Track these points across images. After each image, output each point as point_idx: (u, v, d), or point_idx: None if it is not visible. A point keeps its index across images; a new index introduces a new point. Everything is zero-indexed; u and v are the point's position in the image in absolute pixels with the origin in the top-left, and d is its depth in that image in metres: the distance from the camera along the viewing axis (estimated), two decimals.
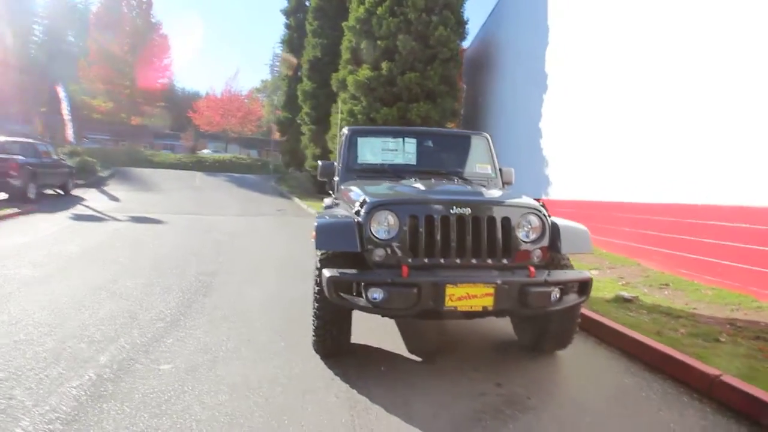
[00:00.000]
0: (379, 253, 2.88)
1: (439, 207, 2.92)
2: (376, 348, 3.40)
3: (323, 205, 5.42)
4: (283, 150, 25.93)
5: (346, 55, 14.98)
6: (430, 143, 4.54)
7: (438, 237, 2.86)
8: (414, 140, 4.49)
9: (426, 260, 2.87)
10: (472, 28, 14.90)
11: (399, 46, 13.47)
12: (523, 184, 7.26)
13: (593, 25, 8.34)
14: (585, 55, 8.56)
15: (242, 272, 5.80)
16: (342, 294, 2.73)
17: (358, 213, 2.98)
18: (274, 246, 8.11)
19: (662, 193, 6.26)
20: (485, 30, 15.22)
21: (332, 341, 3.06)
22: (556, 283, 2.82)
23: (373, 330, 3.61)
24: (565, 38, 9.43)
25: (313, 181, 20.69)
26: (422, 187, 3.28)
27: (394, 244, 2.86)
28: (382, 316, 2.89)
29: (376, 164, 4.31)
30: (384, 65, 13.58)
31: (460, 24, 14.13)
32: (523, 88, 11.35)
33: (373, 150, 4.42)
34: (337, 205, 4.05)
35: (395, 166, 4.27)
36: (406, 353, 3.35)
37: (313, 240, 2.90)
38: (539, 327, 3.30)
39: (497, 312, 2.84)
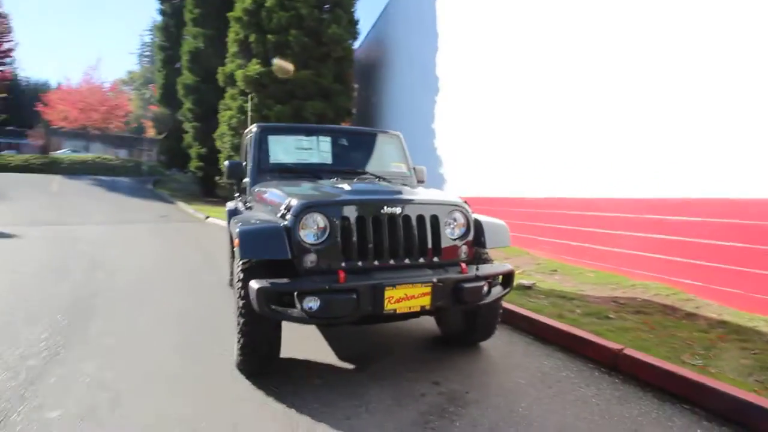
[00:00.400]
0: (310, 259, 2.70)
1: (369, 207, 2.83)
2: (304, 360, 3.20)
3: (226, 209, 5.00)
4: (162, 149, 23.55)
5: (233, 47, 14.10)
6: (344, 142, 4.42)
7: (371, 238, 2.78)
8: (328, 139, 4.33)
9: (360, 263, 2.77)
10: (363, 28, 14.92)
11: (291, 41, 13.06)
12: None
13: (478, 34, 8.94)
14: (474, 60, 9.14)
15: (130, 290, 5.08)
16: (273, 306, 2.50)
17: (284, 216, 2.76)
18: (162, 257, 7.28)
19: (547, 187, 6.95)
20: (376, 31, 15.48)
21: (260, 359, 2.79)
22: (485, 277, 2.92)
23: (296, 340, 3.39)
24: (453, 44, 9.97)
25: (200, 183, 19.14)
26: (347, 187, 3.15)
27: (326, 248, 2.71)
28: (318, 326, 2.71)
29: (290, 164, 4.06)
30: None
31: (352, 23, 14.18)
32: (417, 90, 11.77)
33: (285, 149, 4.16)
34: (249, 208, 3.74)
35: (310, 166, 4.08)
36: (337, 361, 3.20)
37: (235, 248, 2.62)
38: (466, 320, 3.39)
39: (433, 310, 2.86)
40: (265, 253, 2.62)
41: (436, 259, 2.95)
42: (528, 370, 3.09)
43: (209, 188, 18.92)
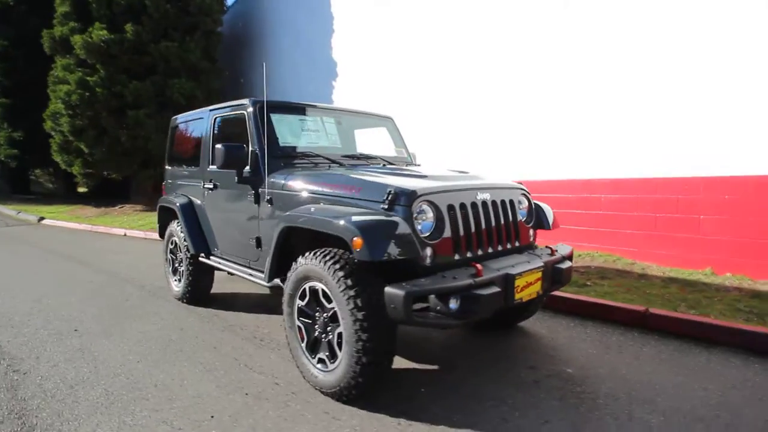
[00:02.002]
0: (428, 254, 2.39)
1: (467, 195, 2.64)
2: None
3: (165, 204, 4.18)
4: None
5: (63, 7, 11.28)
6: (344, 124, 3.96)
7: (475, 227, 2.61)
8: (332, 120, 3.84)
9: (468, 254, 2.57)
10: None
11: (149, 6, 11.05)
12: None
13: (378, 17, 8.91)
14: (380, 42, 9.07)
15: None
16: (416, 312, 2.15)
17: (391, 208, 2.37)
18: (40, 285, 5.52)
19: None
20: (244, 4, 14.12)
21: (381, 374, 2.37)
22: (568, 257, 3.00)
23: None
24: (352, 26, 9.74)
25: (10, 176, 14.86)
26: (423, 173, 2.88)
27: (440, 241, 2.43)
28: (456, 326, 2.40)
29: (303, 149, 3.48)
30: (129, 28, 10.90)
31: None
32: (304, 73, 11.18)
33: (292, 131, 3.54)
34: (269, 202, 3.08)
35: (324, 150, 3.56)
36: (414, 364, 2.92)
37: (357, 249, 2.15)
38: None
39: (543, 295, 2.83)
40: (394, 253, 2.20)
41: (517, 243, 2.91)
42: (587, 341, 3.29)
43: (22, 183, 14.90)
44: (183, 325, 3.71)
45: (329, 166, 3.33)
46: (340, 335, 2.34)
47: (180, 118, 4.63)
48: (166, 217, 4.59)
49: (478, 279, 2.29)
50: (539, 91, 6.30)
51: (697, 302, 3.86)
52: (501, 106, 6.77)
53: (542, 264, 2.69)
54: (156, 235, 8.51)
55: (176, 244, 4.31)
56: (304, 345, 2.61)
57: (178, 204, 4.14)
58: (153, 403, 2.46)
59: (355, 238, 2.17)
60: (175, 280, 4.43)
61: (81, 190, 16.31)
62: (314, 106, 3.77)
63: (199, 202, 4.03)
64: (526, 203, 3.11)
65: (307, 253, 2.54)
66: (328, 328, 2.45)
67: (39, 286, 5.08)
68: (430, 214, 2.44)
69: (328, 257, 2.37)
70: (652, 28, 5.19)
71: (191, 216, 4.07)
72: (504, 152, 6.69)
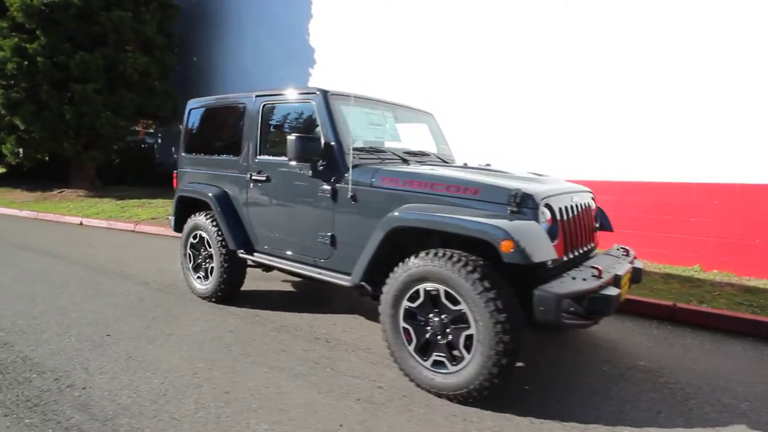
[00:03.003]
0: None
1: (567, 197, 2.75)
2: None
3: (210, 195, 3.82)
4: None
5: None
6: (395, 119, 3.88)
7: (576, 229, 2.74)
8: (391, 114, 3.75)
9: (571, 255, 2.68)
10: None
11: None
12: None
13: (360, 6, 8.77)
14: (367, 30, 8.91)
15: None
16: (566, 313, 2.21)
17: (519, 210, 2.40)
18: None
19: None
20: None
21: (510, 374, 2.39)
22: (635, 257, 3.21)
23: None
24: (332, 13, 9.46)
25: None
26: (516, 174, 2.93)
27: (557, 243, 2.51)
28: (587, 327, 2.47)
29: (372, 143, 3.37)
30: None
31: None
32: (277, 57, 10.70)
33: (360, 123, 3.41)
34: (353, 198, 2.95)
35: (387, 146, 3.48)
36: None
37: (507, 252, 2.16)
38: None
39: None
40: (540, 255, 2.23)
41: (592, 245, 3.07)
42: (633, 335, 3.55)
43: None
44: (229, 327, 3.46)
45: (406, 162, 3.28)
46: (468, 337, 2.33)
47: (202, 101, 4.27)
48: (184, 208, 4.22)
49: (603, 280, 2.39)
50: (531, 93, 6.59)
51: (701, 296, 4.30)
52: (491, 100, 6.98)
53: (630, 264, 2.86)
54: (124, 225, 7.80)
55: (202, 238, 3.98)
56: (411, 347, 2.56)
57: (211, 195, 3.82)
58: (265, 415, 2.29)
59: (504, 241, 2.17)
60: (198, 278, 4.09)
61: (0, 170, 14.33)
62: (374, 99, 3.65)
63: (237, 193, 3.75)
64: (595, 206, 3.28)
65: (421, 254, 2.49)
66: (447, 330, 2.43)
67: (22, 284, 4.44)
68: (549, 216, 2.51)
69: (457, 259, 2.34)
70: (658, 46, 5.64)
71: (229, 209, 3.78)
72: (500, 150, 6.91)
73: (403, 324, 2.59)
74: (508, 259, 2.18)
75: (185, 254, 4.19)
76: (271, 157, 3.50)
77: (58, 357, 2.89)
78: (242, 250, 3.72)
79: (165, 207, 8.98)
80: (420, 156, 3.62)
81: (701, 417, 2.39)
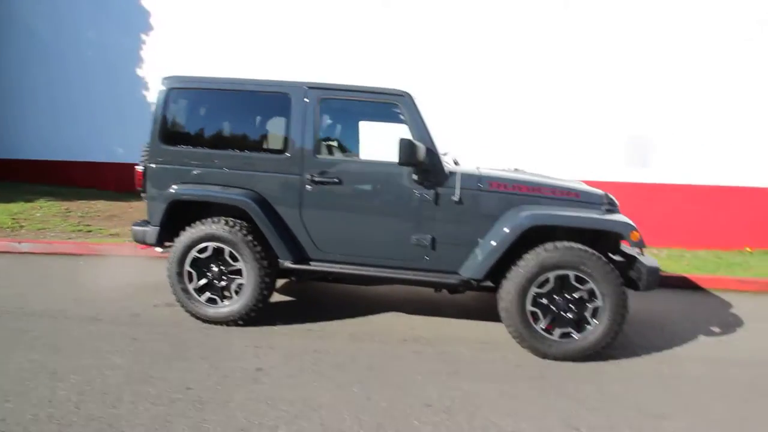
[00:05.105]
0: None
1: None
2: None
3: (245, 200, 3.28)
4: None
5: None
6: None
7: None
8: None
9: None
10: None
11: None
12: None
13: None
14: None
15: None
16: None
17: (610, 210, 3.20)
18: None
19: None
20: None
21: None
22: None
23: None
24: None
25: None
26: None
27: None
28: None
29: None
30: None
31: None
32: (88, 14, 8.37)
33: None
34: (459, 203, 3.14)
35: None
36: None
37: (634, 240, 2.95)
38: None
39: None
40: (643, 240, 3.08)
41: None
42: (704, 304, 4.64)
43: None
44: (296, 350, 3.05)
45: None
46: (595, 310, 3.00)
47: (192, 81, 3.43)
48: (177, 215, 3.36)
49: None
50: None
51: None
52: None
53: None
54: None
55: (218, 251, 3.28)
56: (539, 326, 3.06)
57: (248, 200, 3.20)
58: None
59: (633, 232, 2.93)
60: (210, 300, 3.35)
61: None
62: None
63: (284, 197, 3.28)
64: None
65: (548, 247, 2.99)
66: (572, 306, 3.03)
67: None
68: None
69: (584, 248, 2.96)
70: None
71: (274, 215, 3.27)
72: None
73: (530, 308, 3.04)
74: (634, 245, 2.96)
75: (179, 273, 3.34)
76: (342, 158, 3.25)
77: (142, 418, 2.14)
78: (288, 261, 3.30)
79: None
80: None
81: None
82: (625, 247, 3.35)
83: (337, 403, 2.44)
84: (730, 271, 5.69)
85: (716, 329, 3.89)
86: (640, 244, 3.02)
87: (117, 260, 5.21)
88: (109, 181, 8.36)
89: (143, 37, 8.23)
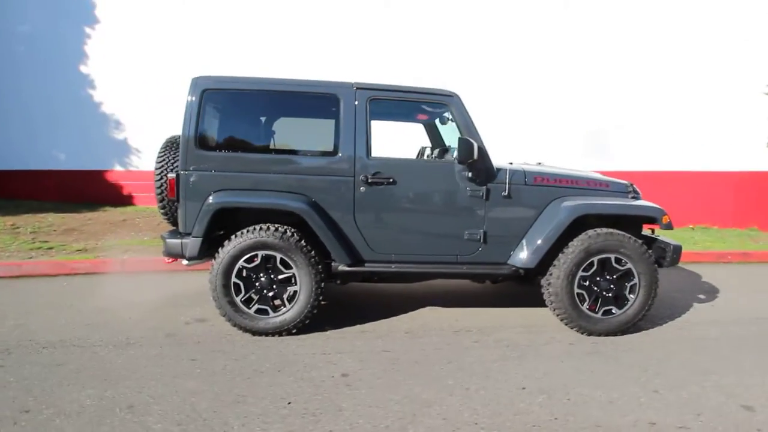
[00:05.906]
0: None
1: None
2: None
3: (300, 206, 3.20)
4: None
5: None
6: None
7: None
8: None
9: None
10: None
11: None
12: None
13: None
14: None
15: None
16: None
17: (635, 197, 3.58)
18: None
19: None
20: None
21: None
22: None
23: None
24: None
25: None
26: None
27: None
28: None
29: None
30: None
31: None
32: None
33: None
34: (507, 197, 3.32)
35: None
36: None
37: (665, 222, 3.32)
38: None
39: None
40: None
41: None
42: (679, 276, 5.14)
43: None
44: (365, 352, 3.06)
45: None
46: (632, 287, 3.34)
47: (227, 82, 3.23)
48: (217, 225, 3.17)
49: None
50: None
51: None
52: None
53: None
54: None
55: (267, 259, 3.16)
56: (585, 306, 3.34)
57: (304, 205, 3.11)
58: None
59: (665, 216, 3.29)
60: (260, 311, 3.21)
61: None
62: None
63: (337, 199, 3.24)
64: None
65: (592, 233, 3.27)
66: (612, 286, 3.35)
67: None
68: None
69: (622, 233, 3.29)
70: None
71: (328, 218, 3.20)
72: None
73: (576, 290, 3.31)
74: (664, 228, 3.33)
75: (226, 285, 3.16)
76: (396, 157, 3.27)
77: None
78: (344, 264, 3.28)
79: None
80: None
81: None
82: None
83: (443, 396, 2.51)
84: (684, 246, 6.52)
85: (702, 296, 4.49)
86: (669, 227, 3.41)
87: (103, 279, 4.73)
88: (50, 190, 7.46)
89: (85, 29, 7.41)
